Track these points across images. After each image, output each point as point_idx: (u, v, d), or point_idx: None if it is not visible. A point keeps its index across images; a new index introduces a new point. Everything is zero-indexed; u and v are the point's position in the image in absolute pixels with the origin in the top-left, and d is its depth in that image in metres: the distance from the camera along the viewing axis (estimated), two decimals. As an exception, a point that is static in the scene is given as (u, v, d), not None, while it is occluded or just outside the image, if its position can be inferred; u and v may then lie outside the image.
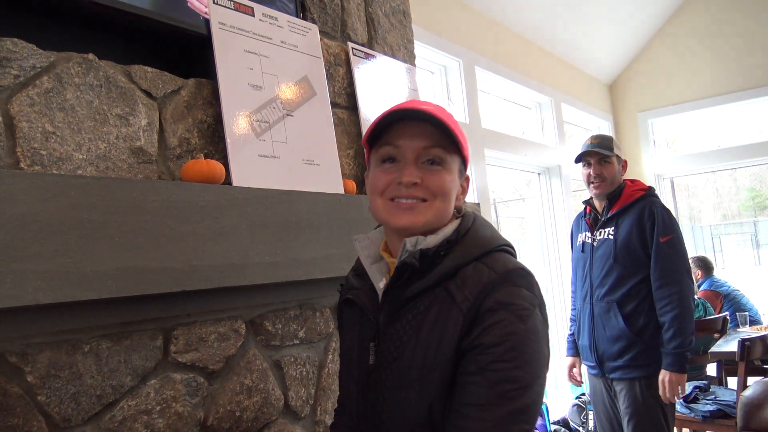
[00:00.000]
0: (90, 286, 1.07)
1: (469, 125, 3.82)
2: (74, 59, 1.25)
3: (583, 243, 2.78)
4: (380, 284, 1.04)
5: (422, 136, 0.99)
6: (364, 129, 1.93)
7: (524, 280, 0.95)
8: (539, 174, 4.99)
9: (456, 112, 3.78)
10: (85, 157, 1.24)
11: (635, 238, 2.51)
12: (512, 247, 1.06)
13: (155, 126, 1.38)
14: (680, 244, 2.49)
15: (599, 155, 2.62)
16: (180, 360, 1.35)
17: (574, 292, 2.90)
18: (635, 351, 2.47)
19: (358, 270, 1.14)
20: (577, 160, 2.73)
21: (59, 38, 1.31)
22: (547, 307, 1.00)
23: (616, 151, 2.64)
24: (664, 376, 2.39)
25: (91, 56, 1.28)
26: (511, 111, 4.74)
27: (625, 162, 2.70)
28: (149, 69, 1.38)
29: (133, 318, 1.26)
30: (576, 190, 5.44)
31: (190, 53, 1.56)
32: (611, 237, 2.60)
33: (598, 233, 2.69)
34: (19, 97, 1.15)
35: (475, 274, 0.95)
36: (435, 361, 0.93)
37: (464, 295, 0.94)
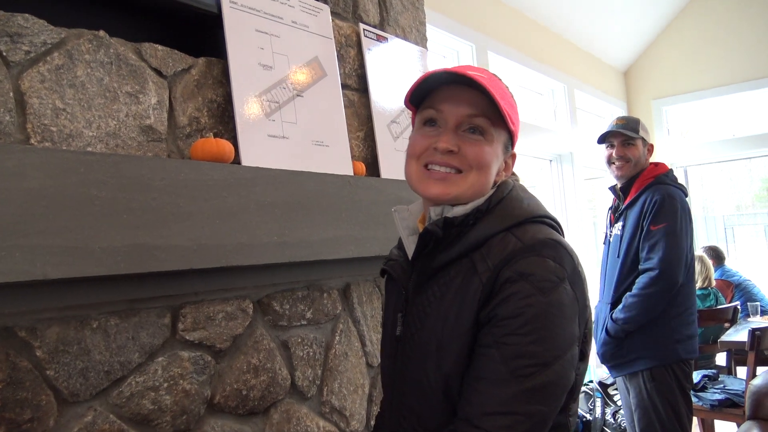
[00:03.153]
0: (98, 262, 1.07)
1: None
2: (85, 36, 1.25)
3: (606, 237, 2.73)
4: None
5: (467, 103, 0.94)
6: (375, 111, 1.92)
7: (552, 250, 0.89)
8: (551, 161, 4.96)
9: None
10: (95, 134, 1.25)
11: (637, 234, 2.44)
12: (555, 221, 0.99)
13: (165, 104, 1.38)
14: (673, 234, 2.33)
15: (624, 136, 2.57)
16: (187, 338, 1.36)
17: None
18: (628, 346, 2.44)
19: (400, 242, 1.12)
20: (600, 141, 2.66)
21: (70, 14, 1.30)
22: (586, 282, 0.93)
23: (642, 133, 2.55)
24: None
25: (102, 33, 1.27)
26: (524, 97, 4.70)
27: (651, 146, 2.61)
28: (160, 47, 1.38)
29: (140, 295, 1.27)
30: (589, 178, 5.40)
31: (200, 32, 1.55)
32: (619, 233, 2.56)
33: (614, 228, 2.64)
34: (30, 73, 1.15)
35: (501, 243, 0.91)
36: (453, 333, 0.91)
37: (486, 265, 0.90)
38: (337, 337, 1.74)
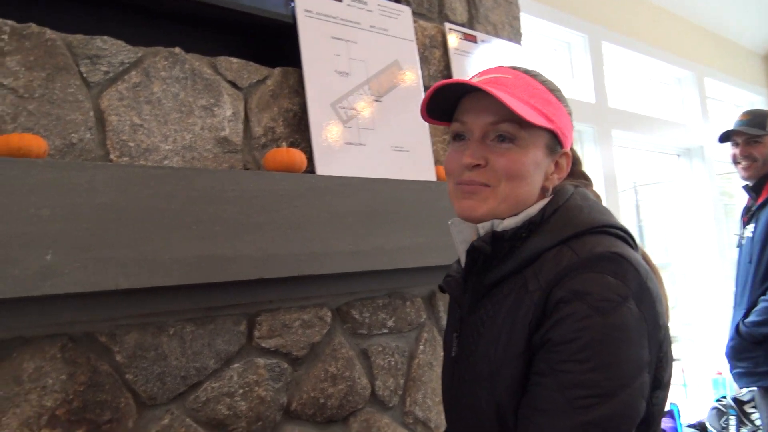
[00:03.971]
0: (167, 272, 1.11)
1: (595, 105, 3.58)
2: (161, 53, 1.30)
3: (738, 240, 2.51)
4: None
5: (488, 111, 0.87)
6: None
7: (612, 265, 0.79)
8: (678, 155, 4.59)
9: (581, 90, 3.56)
10: (171, 147, 1.29)
11: None
12: (622, 230, 0.88)
13: (240, 116, 1.41)
14: None
15: (746, 135, 2.34)
16: (264, 345, 1.38)
17: None
18: (758, 358, 2.20)
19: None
20: (721, 140, 2.45)
21: (149, 33, 1.37)
22: (658, 300, 0.83)
23: None
24: None
25: (177, 50, 1.32)
26: (646, 88, 4.38)
27: None
28: (235, 60, 1.41)
29: (216, 304, 1.30)
30: (723, 173, 4.94)
31: (277, 42, 1.57)
32: (751, 235, 2.32)
33: (746, 230, 2.41)
34: (109, 92, 1.22)
35: (555, 258, 0.83)
36: (505, 357, 0.84)
37: (538, 283, 0.82)
38: (421, 347, 1.70)
